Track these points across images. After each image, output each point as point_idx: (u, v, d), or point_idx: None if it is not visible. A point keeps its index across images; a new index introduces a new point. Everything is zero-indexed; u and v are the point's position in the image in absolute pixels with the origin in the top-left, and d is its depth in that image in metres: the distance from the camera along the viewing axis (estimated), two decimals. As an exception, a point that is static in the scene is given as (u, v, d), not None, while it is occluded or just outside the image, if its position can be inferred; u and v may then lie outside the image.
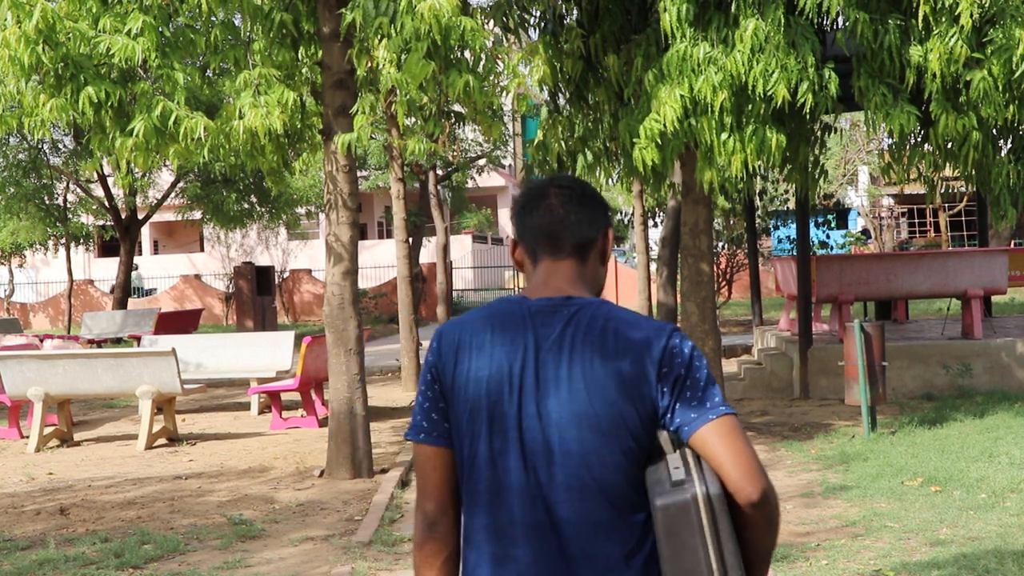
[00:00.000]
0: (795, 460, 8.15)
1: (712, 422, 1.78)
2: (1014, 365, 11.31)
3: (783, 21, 7.31)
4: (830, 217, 26.76)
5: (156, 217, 28.92)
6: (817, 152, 9.31)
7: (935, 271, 12.44)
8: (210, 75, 9.75)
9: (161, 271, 36.04)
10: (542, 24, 9.17)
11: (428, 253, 27.96)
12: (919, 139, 8.89)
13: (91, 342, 19.52)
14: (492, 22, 8.82)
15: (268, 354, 12.35)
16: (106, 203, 21.61)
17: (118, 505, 7.32)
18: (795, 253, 13.87)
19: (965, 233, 33.27)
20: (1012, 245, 24.20)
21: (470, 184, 26.64)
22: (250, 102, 7.46)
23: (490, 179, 32.44)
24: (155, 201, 22.78)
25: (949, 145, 8.27)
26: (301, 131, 8.58)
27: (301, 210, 27.49)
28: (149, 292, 34.24)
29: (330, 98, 7.91)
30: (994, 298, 16.16)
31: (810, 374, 11.52)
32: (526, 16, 9.09)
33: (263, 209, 22.78)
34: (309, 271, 31.51)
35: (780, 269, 14.36)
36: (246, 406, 12.48)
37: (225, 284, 31.35)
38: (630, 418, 1.80)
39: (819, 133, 9.27)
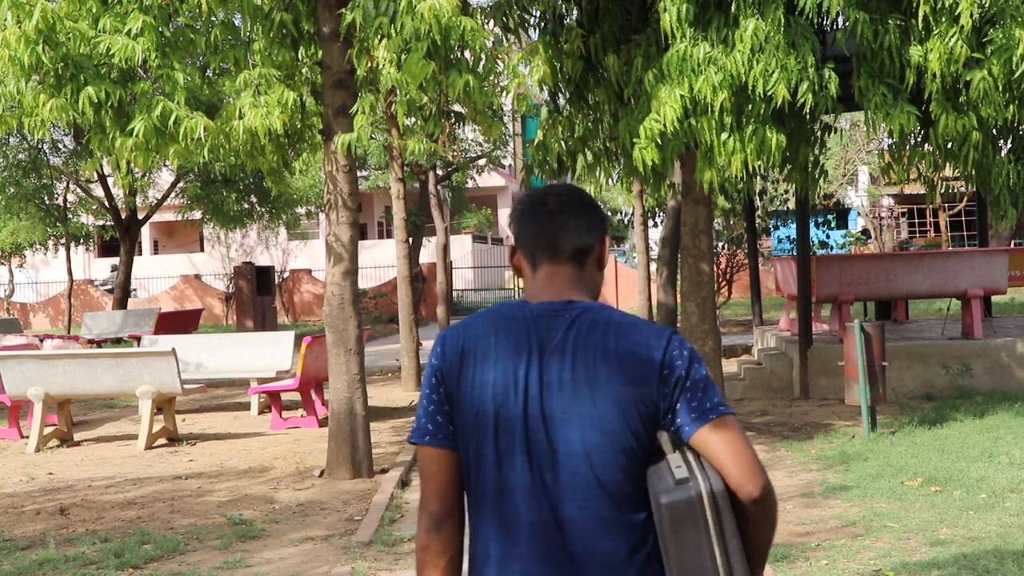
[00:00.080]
0: (795, 460, 8.15)
1: (712, 422, 1.83)
2: (1014, 365, 11.30)
3: (783, 21, 7.32)
4: (830, 217, 26.73)
5: (156, 217, 28.92)
6: (817, 152, 9.31)
7: (935, 271, 12.44)
8: (210, 75, 9.75)
9: (161, 271, 36.03)
10: (542, 24, 9.17)
11: (428, 253, 27.95)
12: (919, 139, 8.89)
13: (91, 342, 19.52)
14: (492, 22, 8.82)
15: (268, 354, 12.35)
16: (106, 203, 21.60)
17: (118, 505, 7.32)
18: (795, 253, 13.87)
19: (965, 233, 33.27)
20: (1012, 245, 24.20)
21: (470, 184, 26.61)
22: (250, 102, 7.46)
23: (490, 179, 32.44)
24: (155, 201, 22.77)
25: (949, 145, 8.27)
26: (301, 131, 8.58)
27: (301, 210, 27.50)
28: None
29: (330, 98, 7.91)
30: (994, 298, 16.15)
31: (810, 374, 11.52)
32: (526, 16, 9.09)
33: (263, 209, 22.78)
34: (309, 271, 31.51)
35: (780, 269, 14.35)
36: (246, 406, 12.48)
37: (225, 284, 31.35)
38: (632, 419, 1.84)
39: (819, 133, 9.27)
